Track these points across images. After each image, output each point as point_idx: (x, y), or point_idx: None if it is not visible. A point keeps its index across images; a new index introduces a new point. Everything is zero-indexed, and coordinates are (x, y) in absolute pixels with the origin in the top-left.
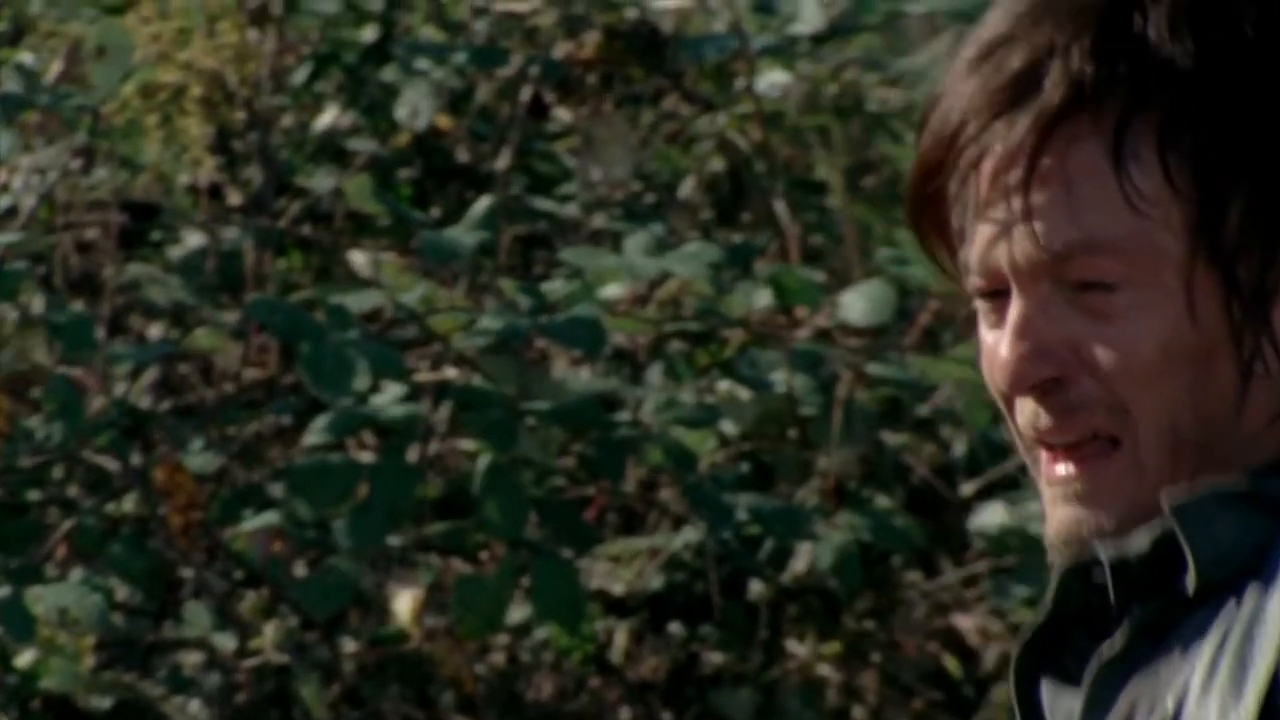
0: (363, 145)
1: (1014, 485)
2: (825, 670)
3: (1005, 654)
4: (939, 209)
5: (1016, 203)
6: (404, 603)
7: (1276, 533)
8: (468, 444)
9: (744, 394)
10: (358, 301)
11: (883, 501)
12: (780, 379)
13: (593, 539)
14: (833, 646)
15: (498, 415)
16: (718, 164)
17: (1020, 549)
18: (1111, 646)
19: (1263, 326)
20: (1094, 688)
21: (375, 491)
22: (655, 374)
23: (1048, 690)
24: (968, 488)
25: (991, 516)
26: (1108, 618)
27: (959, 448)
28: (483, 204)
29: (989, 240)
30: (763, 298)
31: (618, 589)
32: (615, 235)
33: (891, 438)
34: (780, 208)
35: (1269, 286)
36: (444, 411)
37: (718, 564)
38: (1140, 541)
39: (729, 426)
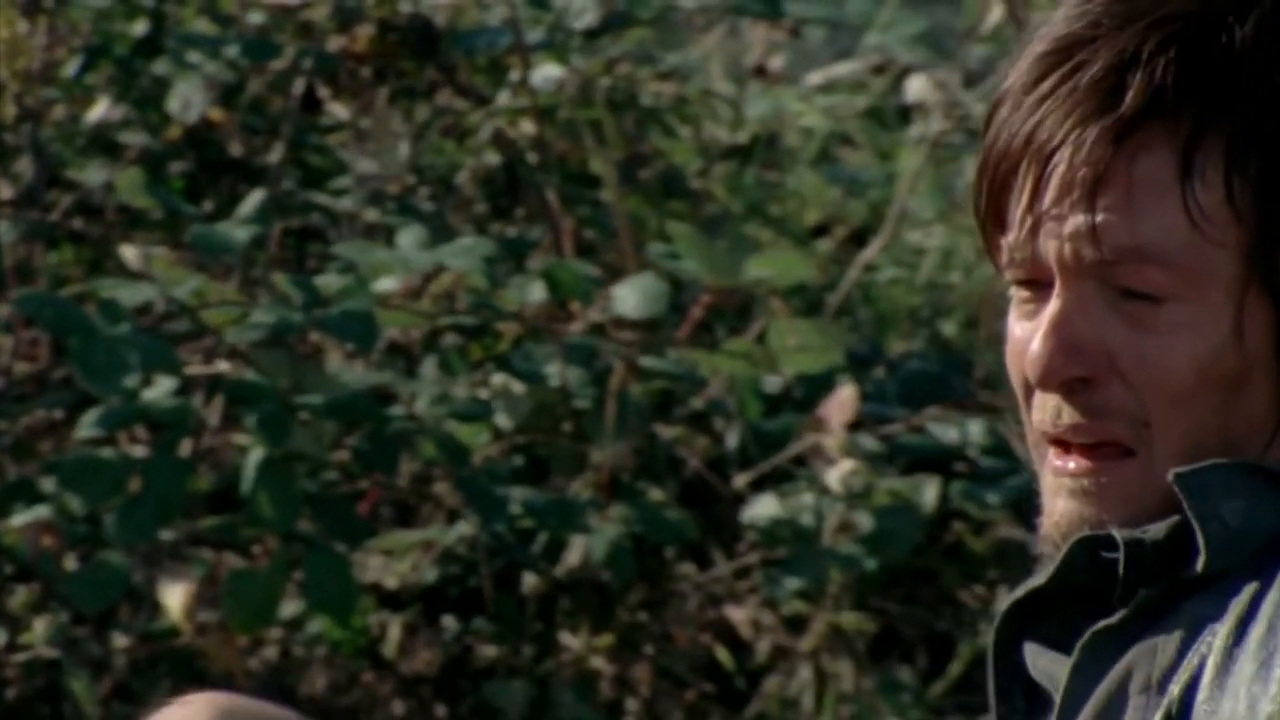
0: (134, 138)
1: (786, 478)
2: (598, 663)
3: (777, 646)
4: (1003, 202)
5: (1080, 202)
6: (175, 597)
7: None
8: (241, 438)
9: (518, 387)
10: (129, 295)
11: (656, 494)
12: (554, 372)
13: (366, 532)
14: (606, 639)
15: (270, 409)
16: (492, 158)
17: (791, 541)
18: (1109, 620)
19: None
20: (1083, 654)
21: (147, 485)
22: (429, 367)
23: (1030, 650)
24: (740, 480)
25: (763, 508)
26: (1102, 594)
27: (732, 440)
28: (254, 198)
29: (1042, 231)
30: (536, 291)
31: (391, 582)
32: (390, 230)
33: (664, 430)
34: (553, 201)
35: None
36: (217, 405)
37: (491, 557)
38: (1157, 530)
39: (503, 420)
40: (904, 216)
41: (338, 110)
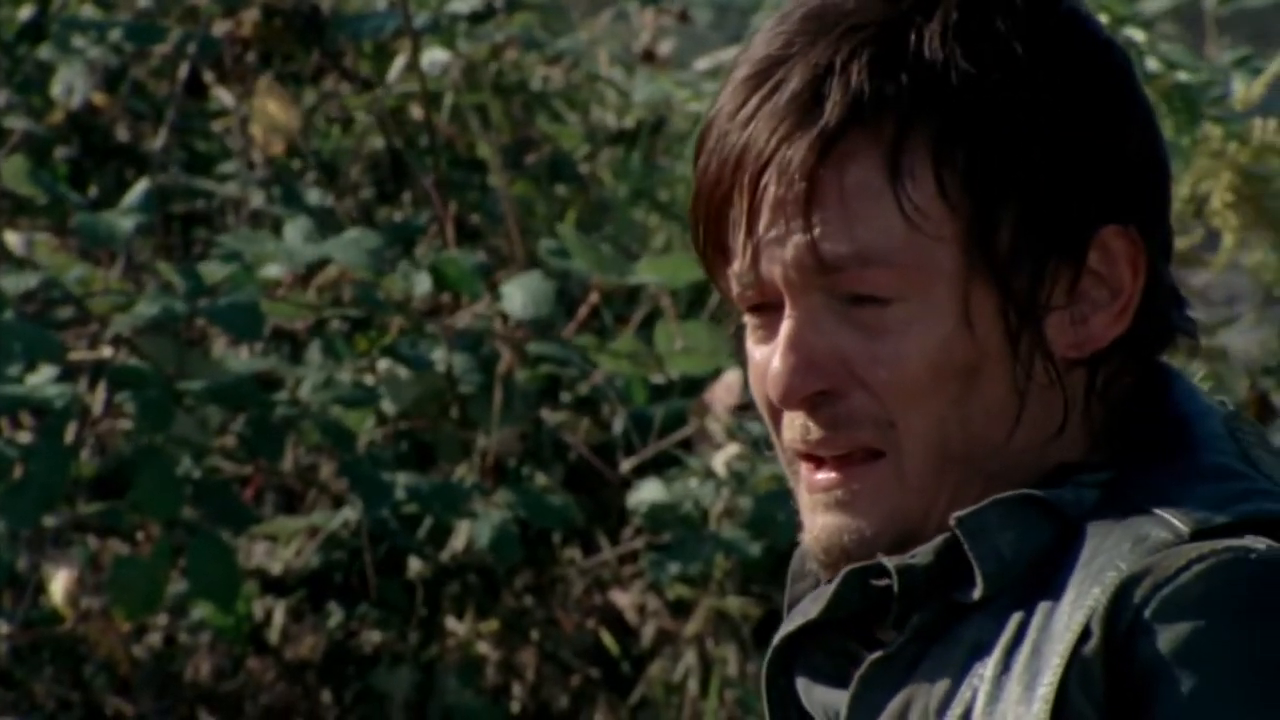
0: (18, 123)
1: (671, 463)
2: (484, 648)
3: (662, 631)
4: (721, 229)
5: (795, 218)
6: (59, 583)
7: (1059, 540)
8: (126, 424)
9: (403, 373)
10: (14, 283)
11: (541, 479)
12: (440, 358)
13: (249, 518)
14: (491, 624)
15: (152, 395)
16: (378, 143)
17: (676, 526)
18: (887, 650)
19: (1037, 339)
20: (861, 685)
21: (30, 472)
22: (315, 353)
23: (801, 683)
24: (626, 465)
25: (648, 494)
26: (868, 621)
27: (618, 426)
28: (140, 187)
29: (764, 253)
30: (423, 283)
31: (275, 568)
32: (277, 216)
33: (550, 416)
34: (438, 188)
35: (1041, 300)
36: (101, 392)
37: (375, 543)
38: (924, 553)
39: (388, 405)
40: None
41: (223, 95)
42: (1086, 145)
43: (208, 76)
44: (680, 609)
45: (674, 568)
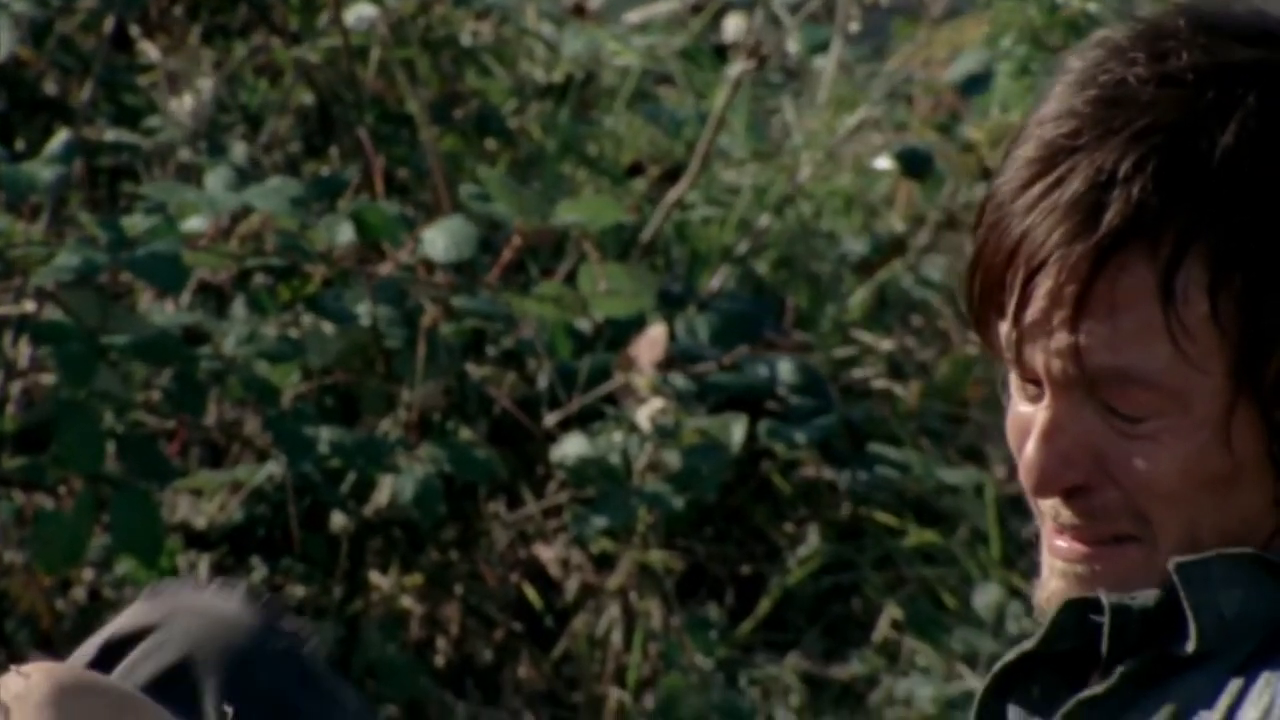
0: None
1: (596, 417)
2: (408, 602)
3: (585, 585)
4: (999, 295)
5: (1063, 320)
6: None
7: None
8: (49, 378)
9: (328, 327)
10: None
11: (466, 433)
12: (364, 312)
13: (173, 472)
14: (415, 578)
15: (75, 349)
16: (306, 97)
17: (600, 480)
18: (1093, 689)
19: None
20: None
21: None
22: (240, 307)
23: (1013, 713)
24: (550, 419)
25: (572, 448)
26: (1086, 660)
27: (543, 380)
28: (60, 138)
29: (1029, 342)
30: (345, 232)
31: (199, 522)
32: (201, 169)
33: (475, 370)
34: (365, 140)
35: None
36: (24, 346)
37: (299, 497)
38: (1146, 597)
39: (313, 359)
40: (717, 155)
41: (150, 49)
42: None
43: (135, 30)
44: (604, 563)
45: (598, 522)
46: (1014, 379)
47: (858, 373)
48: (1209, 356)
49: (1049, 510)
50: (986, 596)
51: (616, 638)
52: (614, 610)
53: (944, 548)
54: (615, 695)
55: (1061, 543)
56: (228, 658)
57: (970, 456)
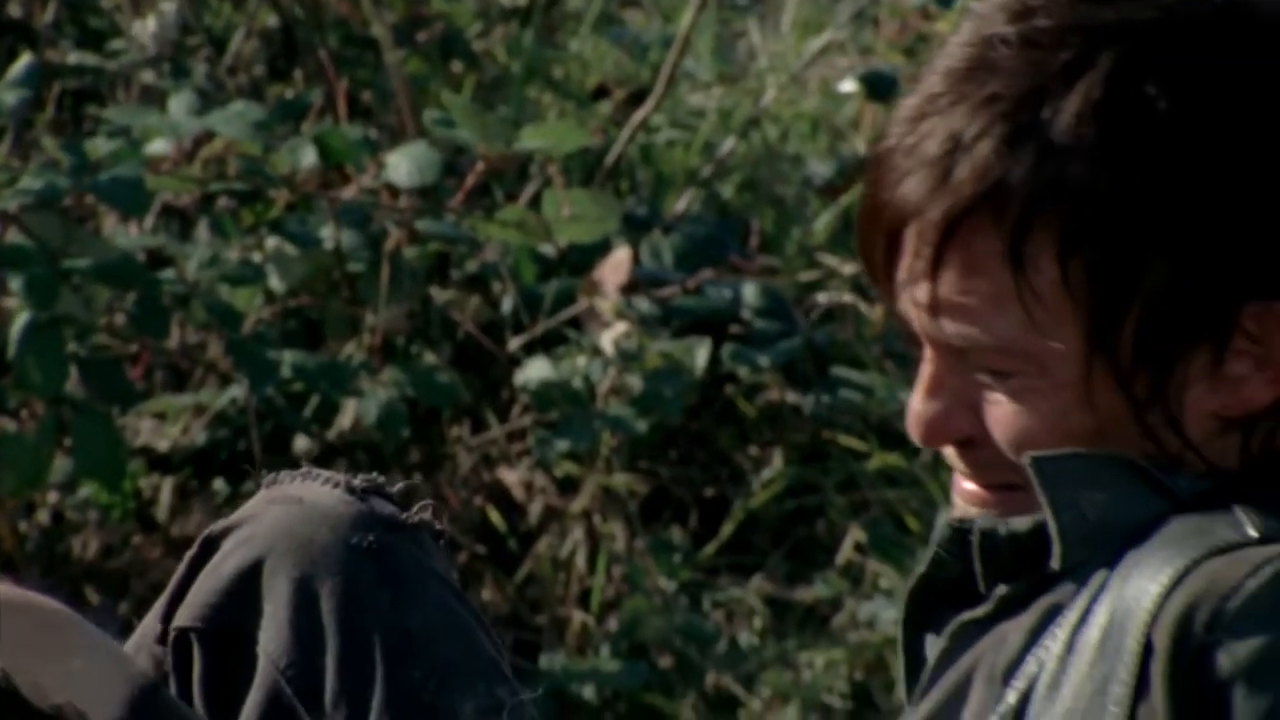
0: None
1: (560, 341)
2: None
3: (549, 508)
4: (880, 267)
5: (922, 283)
6: None
7: (1160, 517)
8: (10, 302)
9: (291, 251)
10: None
11: (429, 357)
12: (328, 235)
13: (135, 396)
14: None
15: (36, 272)
16: (270, 19)
17: (563, 404)
18: (974, 612)
19: (1166, 416)
20: (951, 642)
21: None
22: (204, 231)
23: (928, 640)
24: (515, 344)
25: (536, 371)
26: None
27: (507, 304)
28: (23, 61)
29: (903, 296)
30: (308, 156)
31: (162, 446)
32: (166, 93)
33: (439, 294)
34: (328, 64)
35: (1170, 384)
36: None
37: (261, 421)
38: (1019, 522)
39: (276, 283)
40: (683, 78)
41: None
42: (1227, 230)
43: None
44: (568, 486)
45: (561, 445)
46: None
47: (822, 296)
48: (1062, 323)
49: (948, 456)
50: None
51: (580, 560)
52: (577, 533)
53: (907, 470)
54: (579, 618)
55: (966, 485)
56: (306, 552)
57: None
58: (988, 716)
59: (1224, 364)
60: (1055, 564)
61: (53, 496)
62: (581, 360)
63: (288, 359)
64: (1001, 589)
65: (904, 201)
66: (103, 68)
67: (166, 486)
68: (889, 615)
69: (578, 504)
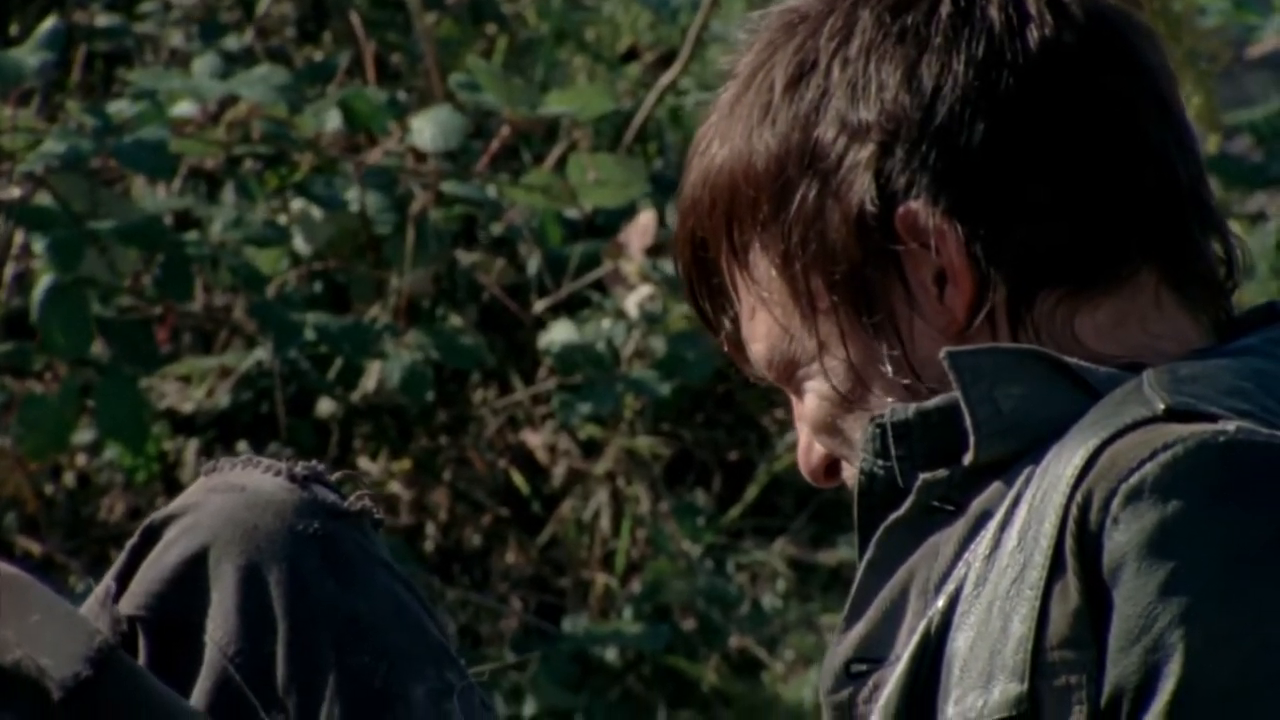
0: None
1: (585, 304)
2: (396, 488)
3: (573, 470)
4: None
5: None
6: None
7: (1080, 409)
8: (36, 264)
9: (317, 213)
10: None
11: (455, 320)
12: (354, 198)
13: (160, 358)
14: (403, 464)
15: (61, 234)
16: None
17: (588, 366)
18: (897, 512)
19: (901, 365)
20: (877, 549)
21: None
22: (230, 193)
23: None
24: (540, 306)
25: (560, 334)
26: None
27: (532, 266)
28: (48, 24)
29: None
30: (333, 119)
31: (187, 408)
32: (191, 56)
33: (465, 257)
34: (357, 26)
35: (887, 328)
36: (20, 232)
37: (286, 383)
38: (927, 404)
39: (302, 246)
40: (712, 40)
41: None
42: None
43: None
44: (591, 449)
45: (585, 408)
46: None
47: None
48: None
49: None
50: None
51: (604, 523)
52: (601, 496)
53: None
54: (602, 580)
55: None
56: (252, 540)
57: None
58: (918, 625)
59: (910, 285)
60: (969, 457)
61: (80, 460)
62: (606, 323)
63: (312, 321)
64: (923, 477)
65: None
66: (131, 30)
67: (191, 449)
68: None
69: (601, 467)
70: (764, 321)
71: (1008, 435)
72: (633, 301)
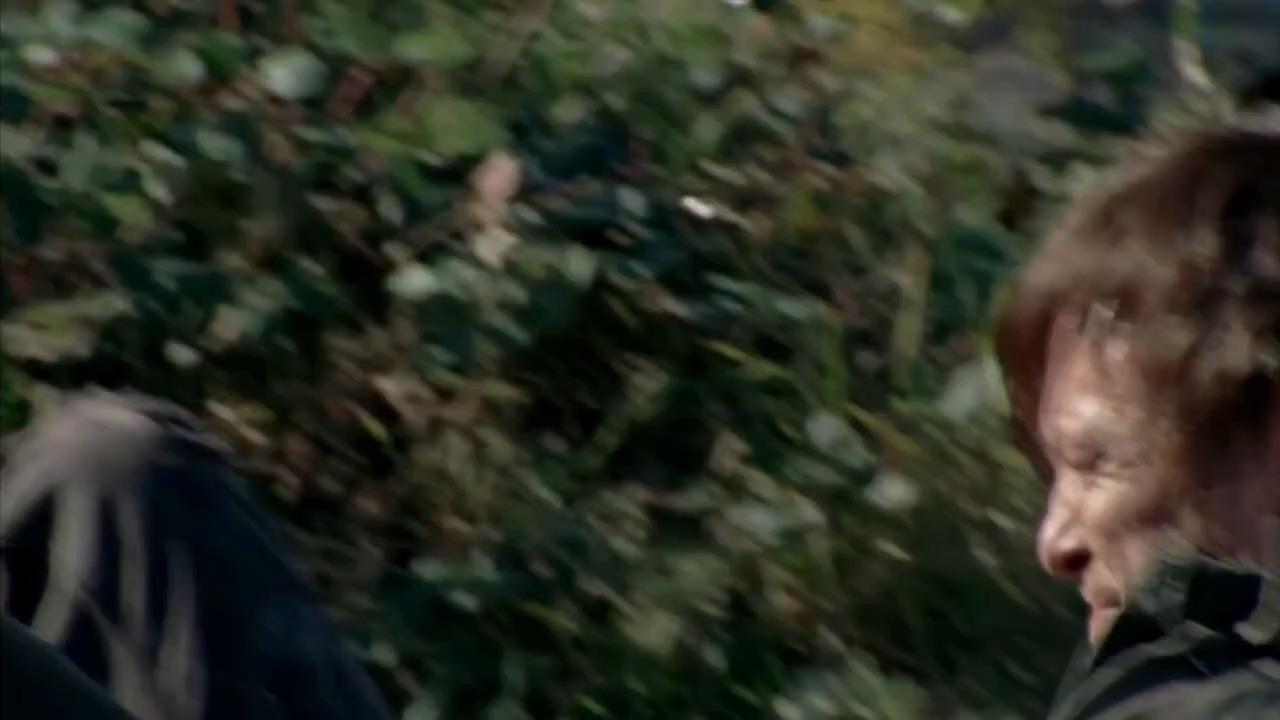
0: None
1: (442, 251)
2: (253, 435)
3: (430, 418)
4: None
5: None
6: None
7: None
8: None
9: (175, 159)
10: None
11: (312, 268)
12: (211, 145)
13: (15, 305)
14: (260, 412)
15: None
16: None
17: (445, 315)
18: (1160, 648)
19: (1221, 506)
20: (1126, 673)
21: None
22: (87, 139)
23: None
24: (396, 253)
25: (416, 281)
26: None
27: (389, 213)
28: None
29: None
30: (191, 66)
31: (42, 355)
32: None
33: (322, 203)
34: None
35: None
36: None
37: (142, 330)
38: (1236, 565)
39: (159, 192)
40: None
41: None
42: None
43: None
44: (449, 397)
45: (441, 356)
46: None
47: (704, 207)
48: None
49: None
50: (826, 429)
51: (460, 471)
52: (458, 443)
53: (785, 380)
54: (458, 527)
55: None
56: (110, 473)
57: (815, 290)
58: None
59: (1270, 447)
60: (1249, 630)
61: None
62: (462, 270)
63: (169, 269)
64: (1194, 628)
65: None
66: None
67: (49, 398)
68: (766, 523)
69: (458, 414)
70: (1095, 404)
71: None
72: (490, 248)
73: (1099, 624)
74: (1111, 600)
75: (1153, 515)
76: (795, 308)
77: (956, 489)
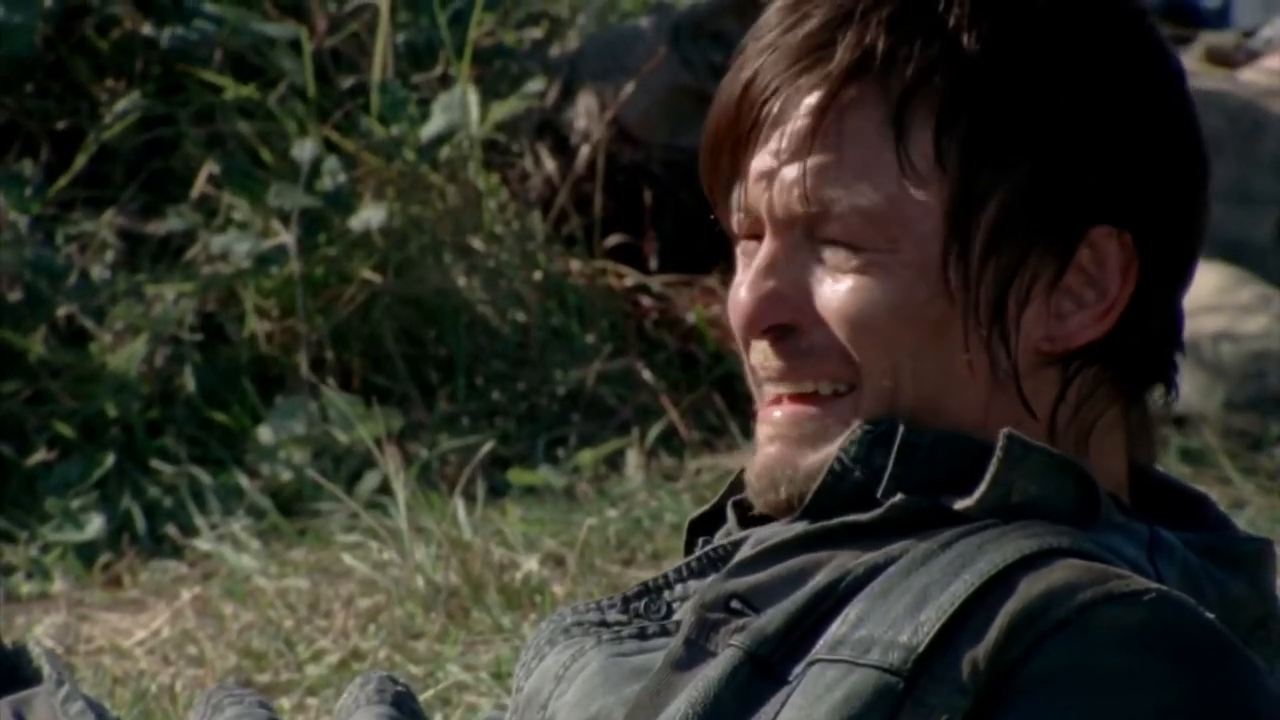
0: None
1: None
2: None
3: None
4: (727, 156)
5: (792, 153)
6: None
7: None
8: None
9: None
10: None
11: None
12: None
13: None
14: None
15: None
16: None
17: None
18: (859, 516)
19: (1007, 324)
20: (816, 532)
21: None
22: None
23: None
24: None
25: None
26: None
27: None
28: None
29: (755, 183)
30: None
31: None
32: None
33: None
34: None
35: (1017, 285)
36: None
37: None
38: (948, 439)
39: None
40: None
41: None
42: (1093, 140)
43: None
44: None
45: None
46: (739, 257)
47: None
48: (929, 198)
49: (760, 361)
50: (303, 151)
51: None
52: None
53: (261, 103)
54: None
55: (777, 412)
56: None
57: (291, 12)
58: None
59: (1061, 284)
60: (970, 503)
61: None
62: None
63: None
64: (898, 498)
65: (775, 75)
66: None
67: None
68: (242, 247)
69: None
70: (883, 184)
71: (994, 511)
72: None
73: (782, 429)
74: (810, 387)
75: (922, 328)
76: (271, 28)
77: (432, 212)
